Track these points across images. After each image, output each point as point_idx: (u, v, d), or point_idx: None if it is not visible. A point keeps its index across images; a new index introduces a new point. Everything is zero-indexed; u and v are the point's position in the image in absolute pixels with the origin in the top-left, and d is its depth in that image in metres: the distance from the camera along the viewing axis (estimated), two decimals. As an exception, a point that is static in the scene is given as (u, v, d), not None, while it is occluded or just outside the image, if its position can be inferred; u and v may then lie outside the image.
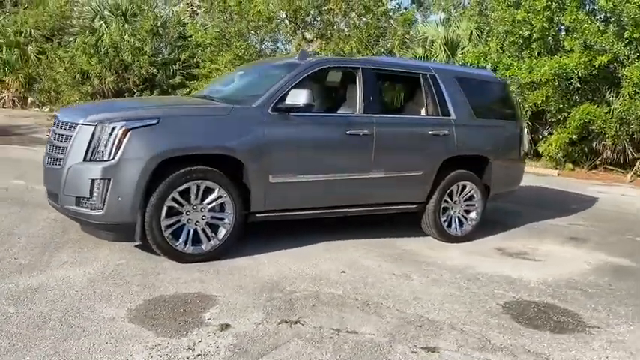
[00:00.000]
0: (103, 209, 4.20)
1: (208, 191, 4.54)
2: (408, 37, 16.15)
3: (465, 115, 5.94)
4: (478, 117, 6.05)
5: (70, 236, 4.93)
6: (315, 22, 16.49)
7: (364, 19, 15.77)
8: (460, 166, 5.93)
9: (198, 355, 3.03)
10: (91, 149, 4.22)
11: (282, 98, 4.80)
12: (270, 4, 16.07)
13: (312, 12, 16.17)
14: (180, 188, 4.39)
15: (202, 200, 4.53)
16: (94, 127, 4.24)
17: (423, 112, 5.80)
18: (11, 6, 24.29)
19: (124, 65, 17.36)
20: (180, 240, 4.46)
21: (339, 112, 5.53)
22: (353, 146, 5.20)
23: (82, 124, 4.31)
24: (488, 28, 13.87)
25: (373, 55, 15.26)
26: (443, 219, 5.87)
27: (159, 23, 18.21)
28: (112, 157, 4.17)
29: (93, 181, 4.18)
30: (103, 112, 4.42)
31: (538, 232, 6.65)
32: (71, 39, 18.40)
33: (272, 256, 4.83)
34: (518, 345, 3.41)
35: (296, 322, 3.51)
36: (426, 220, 5.85)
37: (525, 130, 6.96)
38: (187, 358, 2.99)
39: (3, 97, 22.10)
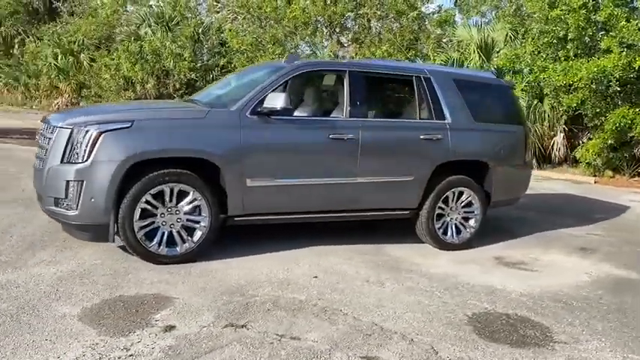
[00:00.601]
0: (77, 210, 4.32)
1: (184, 194, 4.59)
2: (444, 40, 15.87)
3: (462, 119, 5.75)
4: (478, 121, 5.85)
5: (60, 236, 5.07)
6: (350, 27, 16.45)
7: (400, 22, 15.61)
8: (456, 171, 5.75)
9: (131, 355, 3.05)
10: (67, 151, 4.35)
11: (262, 102, 4.80)
12: (306, 10, 16.17)
13: (348, 15, 16.15)
14: (154, 191, 4.45)
15: (178, 203, 4.59)
16: (70, 129, 4.36)
17: (415, 115, 5.66)
18: (68, 15, 25.54)
19: (165, 71, 17.91)
20: (154, 241, 4.52)
21: (325, 115, 5.45)
22: (337, 150, 5.12)
23: (61, 127, 4.45)
24: (523, 30, 13.40)
25: (407, 58, 15.09)
26: (437, 225, 5.70)
27: (200, 30, 18.72)
28: (85, 159, 4.28)
29: (68, 182, 4.31)
30: (81, 116, 4.56)
31: (547, 241, 6.34)
32: (119, 47, 19.13)
33: (250, 260, 4.83)
34: (467, 358, 3.25)
35: (242, 327, 3.48)
36: (420, 227, 5.70)
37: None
38: (119, 357, 3.02)
39: (57, 103, 23.19)
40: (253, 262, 4.77)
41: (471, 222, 5.90)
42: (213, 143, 4.61)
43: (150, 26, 19.46)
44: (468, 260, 5.43)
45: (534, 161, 13.02)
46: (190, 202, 4.61)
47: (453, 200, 5.76)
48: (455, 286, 4.55)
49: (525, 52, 12.76)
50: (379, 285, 4.45)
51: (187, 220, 4.64)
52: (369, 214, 5.49)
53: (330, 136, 5.05)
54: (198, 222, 4.66)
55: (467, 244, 5.85)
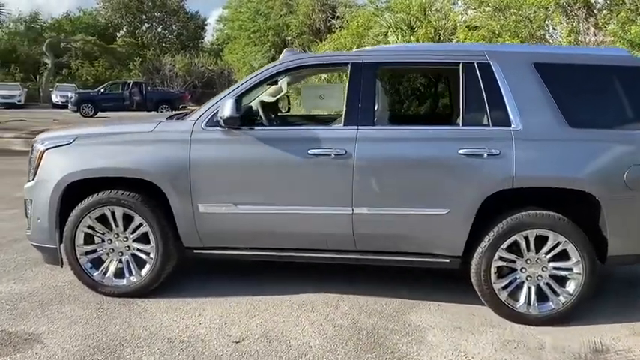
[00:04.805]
0: (30, 230, 4.16)
1: (132, 219, 4.01)
2: None
3: (543, 124, 3.68)
4: (576, 125, 3.67)
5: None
6: (597, 4, 13.14)
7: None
8: (534, 204, 3.74)
9: None
10: (30, 169, 4.22)
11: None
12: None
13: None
14: (94, 214, 3.99)
15: (126, 228, 4.04)
16: (32, 146, 4.24)
17: (455, 119, 3.87)
18: (339, 31, 27.18)
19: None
20: (100, 270, 4.07)
21: (321, 124, 4.15)
22: (319, 170, 3.81)
23: (31, 144, 4.36)
24: None
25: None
26: (499, 285, 3.77)
27: (441, 31, 17.61)
28: (33, 177, 4.09)
29: (25, 200, 4.19)
30: (50, 132, 4.39)
31: None
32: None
33: (203, 303, 3.97)
34: None
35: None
36: (474, 285, 3.88)
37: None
38: None
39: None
40: (200, 308, 3.89)
41: (569, 285, 3.74)
42: (153, 160, 3.90)
43: (395, 32, 19.13)
44: (533, 347, 3.42)
45: None
46: (136, 229, 4.00)
47: (528, 248, 3.74)
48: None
49: None
50: (296, 369, 3.08)
51: (137, 248, 4.05)
52: (380, 257, 3.95)
53: (310, 152, 3.78)
54: (148, 253, 4.03)
55: (558, 318, 3.74)
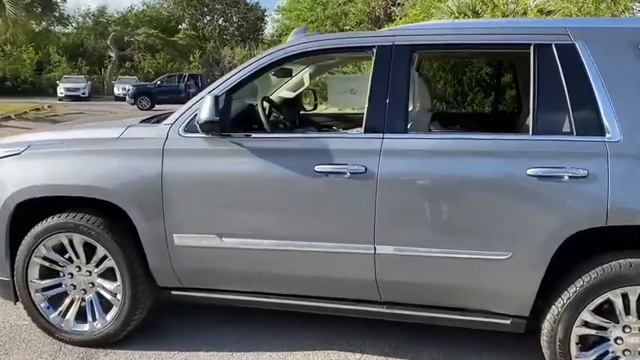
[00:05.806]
0: (-20, 258, 3.39)
1: (95, 248, 3.16)
2: None
3: (655, 132, 2.52)
4: None
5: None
6: None
7: None
8: (635, 247, 2.59)
9: None
10: (-14, 182, 3.44)
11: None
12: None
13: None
14: (50, 242, 3.16)
15: (89, 260, 3.19)
16: (-14, 155, 3.45)
17: (523, 125, 2.75)
18: (399, 19, 25.86)
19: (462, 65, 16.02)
20: (57, 311, 3.24)
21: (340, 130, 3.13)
22: (330, 193, 2.80)
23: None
24: None
25: None
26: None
27: (510, 16, 16.09)
28: (-18, 194, 3.31)
29: (-24, 221, 3.41)
30: (4, 138, 3.60)
31: None
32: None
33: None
34: None
35: None
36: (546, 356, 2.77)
37: None
38: None
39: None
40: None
41: (690, 367, 2.58)
42: (116, 176, 3.01)
43: (457, 17, 17.74)
44: None
45: None
46: (101, 262, 3.15)
47: (627, 311, 2.60)
48: None
49: None
50: None
51: (103, 286, 3.19)
52: (414, 313, 2.90)
53: (317, 169, 2.78)
54: (114, 293, 3.16)
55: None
